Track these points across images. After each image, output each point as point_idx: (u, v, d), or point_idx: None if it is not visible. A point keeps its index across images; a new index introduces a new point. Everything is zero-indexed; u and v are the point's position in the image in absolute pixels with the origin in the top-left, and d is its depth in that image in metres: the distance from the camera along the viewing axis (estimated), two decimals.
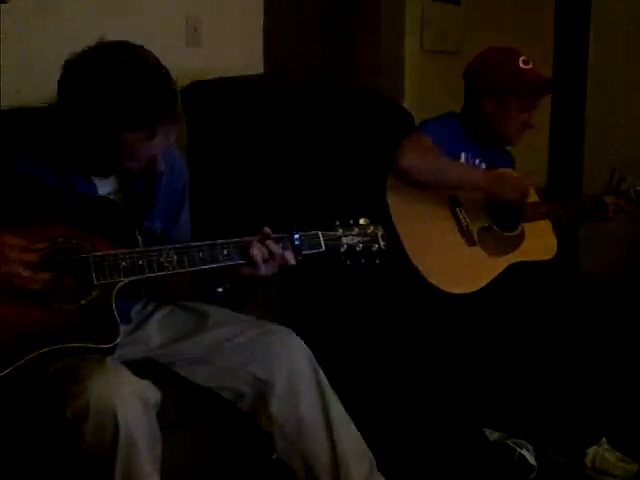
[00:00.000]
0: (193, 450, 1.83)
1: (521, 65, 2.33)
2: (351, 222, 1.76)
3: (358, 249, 1.75)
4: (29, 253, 1.51)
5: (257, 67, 2.75)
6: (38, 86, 1.93)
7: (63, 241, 1.58)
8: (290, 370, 1.78)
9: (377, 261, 1.76)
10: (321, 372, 1.83)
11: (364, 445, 1.86)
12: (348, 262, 1.74)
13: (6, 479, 1.58)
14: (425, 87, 3.02)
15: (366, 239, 1.75)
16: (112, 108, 1.53)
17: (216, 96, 2.41)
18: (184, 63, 2.35)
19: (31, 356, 1.52)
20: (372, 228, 1.77)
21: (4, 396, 1.55)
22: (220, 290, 1.81)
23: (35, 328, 1.54)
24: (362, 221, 1.77)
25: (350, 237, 1.74)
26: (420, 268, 2.18)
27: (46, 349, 1.53)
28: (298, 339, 1.83)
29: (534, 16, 3.53)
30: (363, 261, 1.76)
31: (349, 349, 2.22)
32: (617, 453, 2.21)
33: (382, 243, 1.76)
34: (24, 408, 1.58)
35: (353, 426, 1.85)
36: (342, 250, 1.73)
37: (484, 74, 2.38)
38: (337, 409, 1.83)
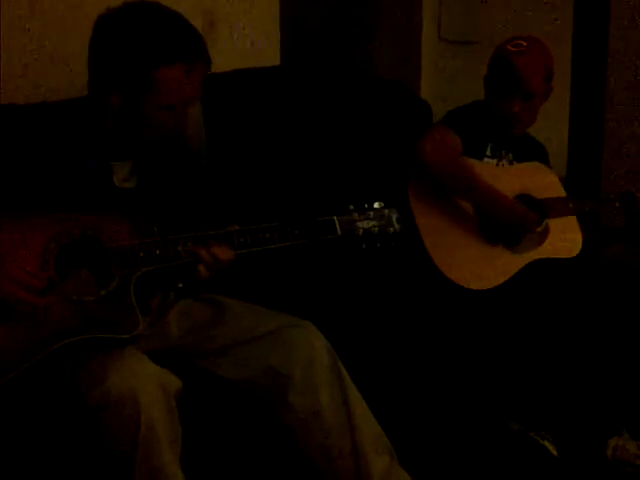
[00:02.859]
0: (212, 441, 1.83)
1: (508, 47, 2.28)
2: (366, 206, 1.75)
3: (374, 233, 1.73)
4: (32, 280, 1.51)
5: (274, 59, 2.74)
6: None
7: (80, 232, 1.58)
8: (309, 362, 1.77)
9: (392, 244, 1.74)
10: (340, 364, 1.82)
11: (384, 438, 1.85)
12: (364, 246, 1.73)
13: (27, 471, 1.58)
14: (442, 77, 3.01)
15: (382, 222, 1.74)
16: (149, 39, 1.55)
17: (233, 88, 2.40)
18: None
19: (53, 348, 1.52)
20: (387, 211, 1.75)
21: (26, 389, 1.55)
22: (180, 286, 1.80)
23: (55, 321, 1.54)
24: (376, 205, 1.75)
25: (366, 221, 1.73)
26: (437, 262, 2.16)
27: (67, 341, 1.53)
28: (317, 331, 1.82)
29: (554, 4, 3.50)
30: (378, 245, 1.74)
31: (369, 342, 2.21)
32: (639, 443, 2.20)
33: (397, 226, 1.75)
34: (45, 400, 1.58)
35: (373, 419, 1.85)
36: (358, 234, 1.72)
37: (491, 65, 2.36)
38: (357, 401, 1.82)
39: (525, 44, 2.29)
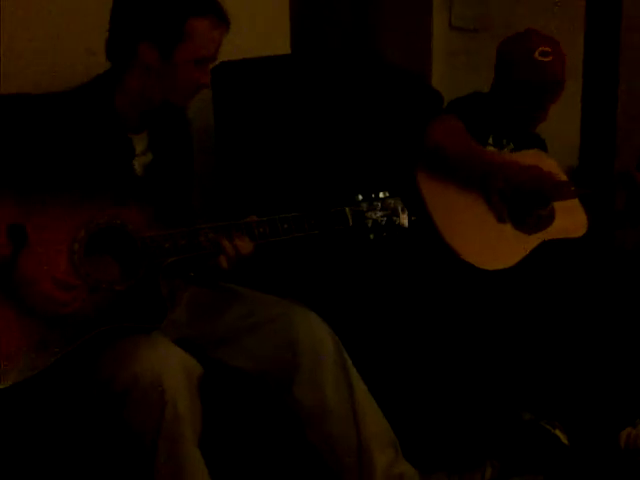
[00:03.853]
0: (223, 430, 1.83)
1: (537, 56, 2.31)
2: (373, 196, 1.76)
3: (381, 223, 1.75)
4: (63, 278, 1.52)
5: (284, 47, 2.73)
6: None
7: (107, 221, 1.59)
8: (314, 350, 1.77)
9: (397, 234, 1.76)
10: (345, 353, 1.81)
11: (390, 432, 1.85)
12: (372, 236, 1.74)
13: (52, 455, 1.59)
14: (453, 65, 3.00)
15: (388, 212, 1.76)
16: None
17: (243, 77, 2.40)
18: None
19: (86, 337, 1.53)
20: (393, 201, 1.77)
21: (57, 377, 1.55)
22: (192, 275, 1.82)
23: (87, 309, 1.55)
24: (382, 194, 1.77)
25: (374, 212, 1.75)
26: (451, 243, 2.18)
27: (101, 329, 1.54)
28: (320, 319, 1.82)
29: None
30: (385, 234, 1.76)
31: (378, 329, 2.21)
32: None
33: (402, 216, 1.76)
34: (67, 386, 1.58)
35: (379, 412, 1.84)
36: (367, 225, 1.74)
37: (503, 58, 2.39)
38: (362, 392, 1.82)
39: (550, 50, 2.32)
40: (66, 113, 1.64)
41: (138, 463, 1.54)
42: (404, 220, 1.76)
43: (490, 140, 2.39)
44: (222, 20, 1.63)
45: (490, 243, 2.24)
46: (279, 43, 2.70)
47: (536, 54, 2.32)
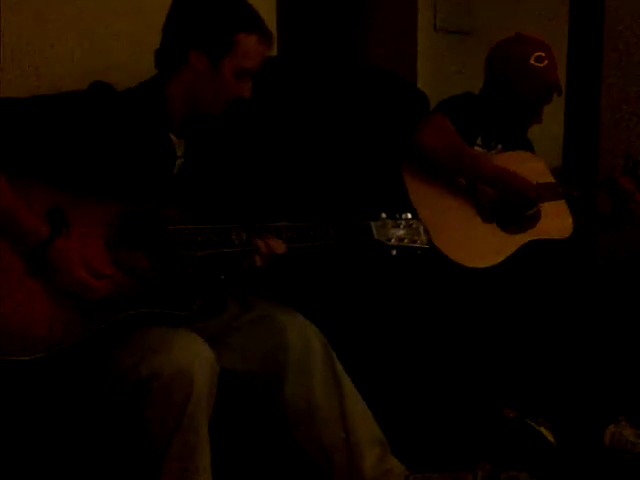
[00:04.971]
0: (212, 431, 1.84)
1: (533, 62, 2.33)
2: (397, 216, 1.85)
3: (404, 241, 1.83)
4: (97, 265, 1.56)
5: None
6: None
7: (142, 212, 1.65)
8: (303, 350, 1.80)
9: (419, 252, 1.86)
10: (333, 353, 1.84)
11: (377, 428, 1.88)
12: (394, 252, 1.83)
13: (60, 435, 1.61)
14: (438, 68, 3.02)
15: (411, 231, 1.85)
16: (233, 5, 1.71)
17: None
18: None
19: (117, 318, 1.57)
20: (416, 222, 1.86)
21: (75, 362, 1.57)
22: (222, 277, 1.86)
23: (118, 294, 1.58)
24: (404, 215, 1.86)
25: (396, 229, 1.84)
26: (436, 241, 2.18)
27: (131, 312, 1.58)
28: (308, 321, 1.85)
29: None
30: (406, 252, 1.84)
31: (365, 328, 2.22)
32: (636, 431, 2.21)
33: (424, 237, 1.86)
34: (90, 375, 1.60)
35: (366, 407, 1.87)
36: (390, 241, 1.82)
37: (497, 63, 2.39)
38: (350, 391, 1.85)
39: (544, 54, 2.36)
40: (119, 113, 1.70)
41: (145, 455, 1.57)
42: (425, 240, 1.86)
43: (479, 141, 2.41)
44: (267, 38, 1.73)
45: (475, 242, 2.26)
46: None
47: (532, 60, 2.34)
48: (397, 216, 1.85)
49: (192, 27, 1.71)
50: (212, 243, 1.67)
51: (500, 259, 2.23)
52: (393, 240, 1.83)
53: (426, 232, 1.86)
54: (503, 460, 2.08)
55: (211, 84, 1.73)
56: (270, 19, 2.71)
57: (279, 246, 1.72)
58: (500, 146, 2.46)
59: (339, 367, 1.84)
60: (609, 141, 3.68)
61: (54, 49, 2.10)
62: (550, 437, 2.20)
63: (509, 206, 2.34)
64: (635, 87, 3.59)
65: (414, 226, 1.85)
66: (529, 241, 2.31)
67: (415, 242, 1.84)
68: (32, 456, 1.59)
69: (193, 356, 1.54)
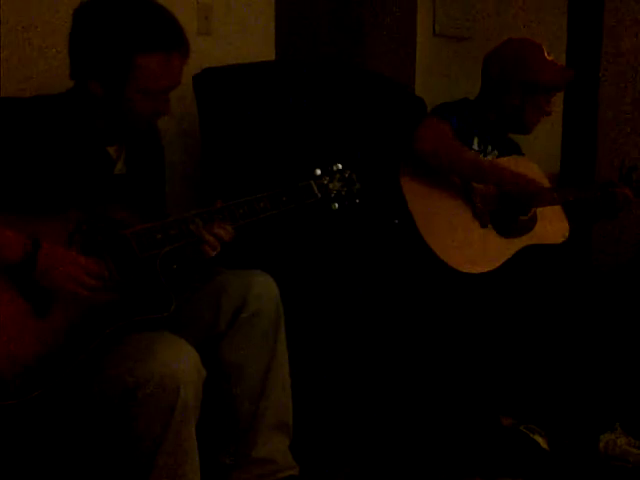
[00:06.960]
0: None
1: (547, 57, 2.38)
2: (329, 169, 1.81)
3: (342, 193, 1.81)
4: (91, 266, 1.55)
5: (268, 54, 2.74)
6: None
7: (96, 221, 1.61)
8: (256, 309, 1.78)
9: (357, 201, 1.83)
10: (283, 326, 1.82)
11: (288, 416, 1.86)
12: (335, 206, 1.80)
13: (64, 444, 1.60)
14: (436, 73, 3.02)
15: (346, 182, 1.82)
16: (128, 28, 1.58)
17: (227, 83, 2.40)
18: (195, 51, 2.34)
19: (106, 333, 1.55)
20: (348, 172, 1.83)
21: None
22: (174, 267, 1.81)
23: (98, 307, 1.57)
24: (336, 167, 1.83)
25: (333, 183, 1.81)
26: (433, 246, 2.19)
27: (120, 324, 1.56)
28: (273, 283, 1.82)
29: (547, 2, 3.50)
30: (346, 203, 1.81)
31: (359, 330, 2.22)
32: (631, 439, 2.21)
33: (358, 185, 1.83)
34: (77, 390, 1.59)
35: (289, 392, 1.85)
36: (331, 196, 1.80)
37: (509, 65, 2.40)
38: (281, 369, 1.83)
39: (540, 49, 2.40)
40: (46, 120, 1.66)
41: (134, 462, 1.56)
42: (359, 187, 1.83)
43: (475, 145, 2.41)
44: (174, 51, 1.63)
45: (472, 247, 2.26)
46: (264, 49, 2.72)
47: (545, 54, 2.38)
48: (329, 169, 1.81)
49: (84, 58, 1.63)
50: (173, 237, 1.63)
51: (496, 265, 2.23)
52: (333, 194, 1.80)
53: (359, 179, 1.83)
54: (497, 468, 2.09)
55: (116, 108, 1.66)
56: (268, 24, 2.72)
57: (226, 233, 1.68)
58: (496, 152, 2.46)
59: (282, 342, 1.83)
60: (607, 146, 3.68)
61: (54, 49, 2.08)
62: (544, 444, 2.20)
63: (506, 211, 2.34)
64: (633, 91, 3.59)
65: (347, 175, 1.82)
66: (525, 246, 2.31)
67: (353, 191, 1.82)
68: (23, 458, 1.58)
69: (178, 362, 1.52)
